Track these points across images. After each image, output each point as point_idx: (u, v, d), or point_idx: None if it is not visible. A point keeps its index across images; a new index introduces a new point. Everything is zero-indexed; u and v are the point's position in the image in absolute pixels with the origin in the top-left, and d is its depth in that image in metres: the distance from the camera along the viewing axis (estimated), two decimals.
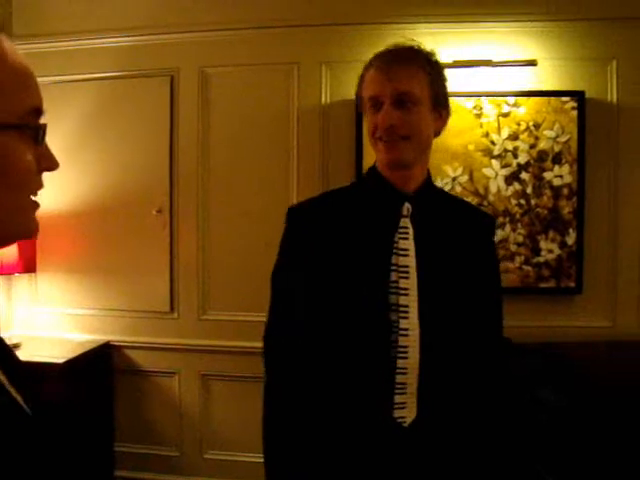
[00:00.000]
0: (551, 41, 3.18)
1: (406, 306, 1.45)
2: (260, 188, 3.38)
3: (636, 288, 3.20)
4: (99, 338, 3.51)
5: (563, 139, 3.11)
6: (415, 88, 1.43)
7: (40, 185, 0.81)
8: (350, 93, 3.26)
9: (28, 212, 0.80)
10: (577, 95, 3.11)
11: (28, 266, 3.33)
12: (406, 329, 1.44)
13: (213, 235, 3.44)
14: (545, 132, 3.12)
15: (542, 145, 3.12)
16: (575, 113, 3.11)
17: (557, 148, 3.11)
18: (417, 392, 1.47)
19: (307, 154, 3.32)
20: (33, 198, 0.81)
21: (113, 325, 3.54)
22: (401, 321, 1.44)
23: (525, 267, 3.15)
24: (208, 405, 3.51)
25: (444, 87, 1.51)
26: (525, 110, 3.12)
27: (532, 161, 3.13)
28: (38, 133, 0.78)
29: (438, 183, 3.15)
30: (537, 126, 3.12)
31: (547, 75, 3.18)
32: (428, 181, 1.57)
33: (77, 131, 3.52)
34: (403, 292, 1.45)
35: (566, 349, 3.11)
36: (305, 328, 1.52)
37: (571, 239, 3.13)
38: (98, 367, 3.42)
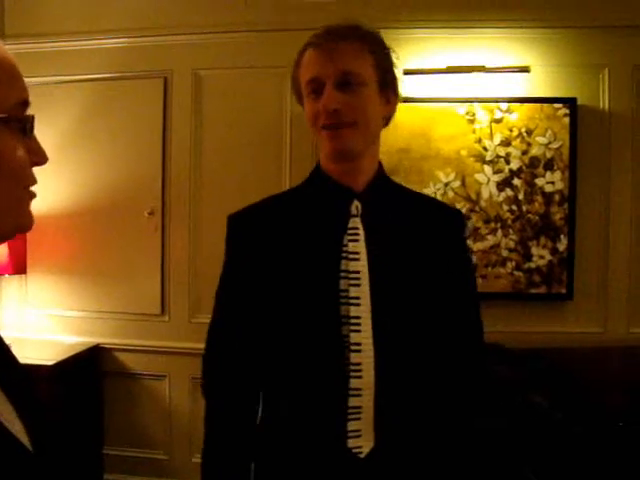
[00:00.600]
0: (544, 48, 3.20)
1: (358, 318, 1.26)
2: (252, 191, 3.33)
3: (626, 294, 3.21)
4: (89, 340, 3.49)
5: (555, 145, 3.13)
6: (360, 67, 1.27)
7: (33, 180, 0.79)
8: None
9: (24, 204, 0.79)
10: (569, 102, 3.12)
11: (18, 267, 3.31)
12: (358, 344, 1.25)
13: (205, 238, 3.43)
14: (537, 138, 3.13)
15: (534, 151, 3.13)
16: (567, 120, 3.12)
17: (549, 154, 3.13)
18: (374, 418, 1.27)
19: (300, 158, 3.31)
20: (30, 189, 0.80)
21: (103, 327, 3.53)
22: (352, 335, 1.26)
23: (516, 273, 3.15)
24: (198, 408, 3.49)
25: (392, 69, 1.34)
26: (518, 116, 3.13)
27: (524, 167, 3.14)
28: (26, 125, 0.76)
29: (430, 188, 3.16)
30: (529, 132, 3.13)
31: (540, 82, 3.19)
32: (380, 175, 1.38)
33: (69, 132, 3.50)
34: (354, 302, 1.27)
35: (557, 355, 3.12)
36: (248, 346, 1.36)
37: (562, 245, 3.14)
38: (88, 370, 3.41)
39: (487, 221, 3.15)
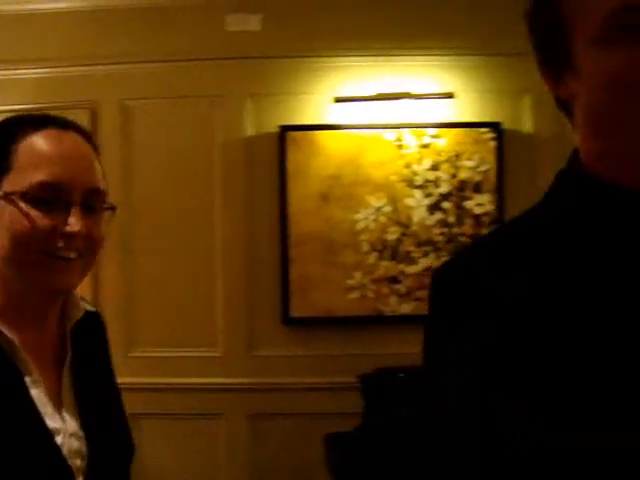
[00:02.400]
0: (468, 74, 3.28)
1: None
2: (184, 222, 3.33)
3: None
4: None
5: (483, 169, 3.20)
6: None
7: (55, 246, 0.93)
8: (274, 125, 3.27)
9: (42, 268, 0.93)
10: (494, 126, 3.21)
11: None
12: None
13: (138, 270, 3.36)
14: (465, 162, 3.19)
15: (463, 175, 3.20)
16: (493, 144, 3.20)
17: (477, 178, 3.19)
18: None
19: (231, 187, 3.30)
20: (60, 254, 0.94)
21: None
22: None
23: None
24: (139, 444, 3.39)
25: None
26: (446, 141, 3.19)
27: (454, 190, 3.20)
28: (50, 205, 0.92)
29: (361, 214, 3.19)
30: (458, 156, 3.19)
31: (466, 107, 3.27)
32: None
33: None
34: None
35: None
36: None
37: None
38: None
39: (419, 244, 3.19)
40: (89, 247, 0.96)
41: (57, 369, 0.99)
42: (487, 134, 3.20)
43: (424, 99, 3.22)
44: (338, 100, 3.28)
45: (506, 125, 3.25)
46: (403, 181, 3.18)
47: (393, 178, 3.18)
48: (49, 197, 0.92)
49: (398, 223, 3.18)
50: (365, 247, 3.20)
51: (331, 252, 3.20)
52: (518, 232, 0.83)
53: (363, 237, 3.19)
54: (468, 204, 3.20)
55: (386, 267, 3.19)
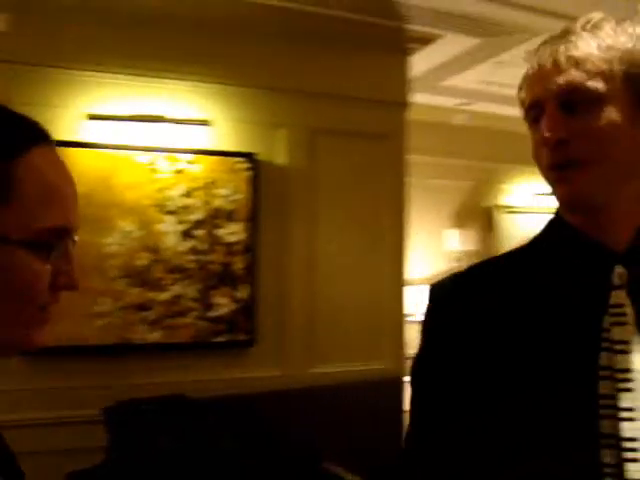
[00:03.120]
0: (226, 103, 3.33)
1: (633, 440, 0.86)
2: None
3: (303, 338, 3.43)
4: None
5: (237, 197, 3.25)
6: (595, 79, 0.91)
7: (53, 300, 0.76)
8: None
9: (30, 325, 0.76)
10: (249, 157, 3.28)
11: None
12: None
13: None
14: (220, 190, 3.22)
15: (217, 203, 3.22)
16: (248, 174, 3.27)
17: (231, 206, 3.24)
18: None
19: None
20: (45, 311, 0.76)
21: None
22: (627, 466, 0.85)
23: (199, 322, 3.18)
24: None
25: None
26: (201, 168, 3.20)
27: (207, 218, 3.21)
28: (51, 251, 0.73)
29: (113, 238, 3.06)
30: (212, 184, 3.21)
31: (222, 136, 3.31)
32: None
33: None
34: (626, 416, 0.87)
35: (243, 401, 3.20)
36: (459, 462, 0.97)
37: (244, 293, 3.26)
38: None
39: (171, 271, 3.14)
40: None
41: None
42: (242, 164, 3.26)
43: (180, 124, 3.20)
44: (92, 117, 3.14)
45: (261, 156, 3.35)
46: (155, 206, 3.12)
47: (145, 202, 3.10)
48: (54, 242, 0.74)
49: (148, 249, 3.11)
50: (114, 272, 3.07)
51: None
52: (499, 261, 1.05)
53: (112, 262, 3.06)
54: (220, 232, 3.22)
55: (135, 294, 3.09)
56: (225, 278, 3.22)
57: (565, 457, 0.87)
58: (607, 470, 0.85)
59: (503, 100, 5.46)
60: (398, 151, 3.74)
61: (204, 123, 3.21)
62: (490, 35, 3.92)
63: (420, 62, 4.10)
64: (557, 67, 0.90)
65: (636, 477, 0.84)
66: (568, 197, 0.92)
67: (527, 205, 6.10)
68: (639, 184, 0.95)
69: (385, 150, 3.69)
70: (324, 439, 3.28)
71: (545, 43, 0.94)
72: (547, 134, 0.89)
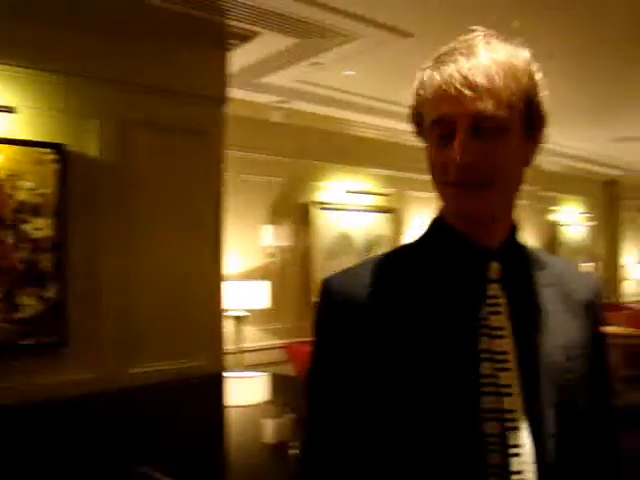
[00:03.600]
0: (32, 90, 3.10)
1: (513, 411, 0.98)
2: None
3: (118, 338, 3.31)
4: None
5: (43, 191, 3.04)
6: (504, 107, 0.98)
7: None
8: None
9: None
10: (57, 147, 3.09)
11: None
12: (516, 446, 0.98)
13: None
14: (24, 183, 3.00)
15: (21, 196, 2.99)
16: (55, 166, 3.07)
17: (37, 200, 3.02)
18: None
19: None
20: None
21: None
22: (509, 434, 0.98)
23: (3, 325, 2.94)
24: None
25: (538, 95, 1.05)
26: (2, 158, 2.95)
27: (12, 213, 2.97)
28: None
29: None
30: (15, 176, 2.97)
31: (27, 124, 3.07)
32: (514, 229, 1.11)
33: None
34: (504, 391, 0.99)
35: (58, 406, 3.02)
36: (358, 455, 1.03)
37: (52, 293, 3.06)
38: None
39: None
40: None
41: None
42: (49, 155, 3.06)
43: None
44: None
45: (71, 147, 3.17)
46: None
47: None
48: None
49: None
50: None
51: None
52: (389, 257, 1.13)
53: None
54: (26, 228, 3.00)
55: None
56: (31, 277, 3.01)
57: (453, 432, 0.97)
58: (491, 439, 0.97)
59: (319, 100, 5.66)
60: (216, 146, 3.73)
61: (8, 110, 2.96)
62: (306, 36, 4.04)
63: (240, 58, 4.12)
64: (470, 91, 0.95)
65: (517, 442, 0.97)
66: (466, 212, 1.02)
67: (340, 202, 6.37)
68: (515, 200, 1.09)
69: (203, 145, 3.66)
70: (142, 441, 3.20)
71: (446, 56, 0.99)
72: (459, 158, 0.96)
